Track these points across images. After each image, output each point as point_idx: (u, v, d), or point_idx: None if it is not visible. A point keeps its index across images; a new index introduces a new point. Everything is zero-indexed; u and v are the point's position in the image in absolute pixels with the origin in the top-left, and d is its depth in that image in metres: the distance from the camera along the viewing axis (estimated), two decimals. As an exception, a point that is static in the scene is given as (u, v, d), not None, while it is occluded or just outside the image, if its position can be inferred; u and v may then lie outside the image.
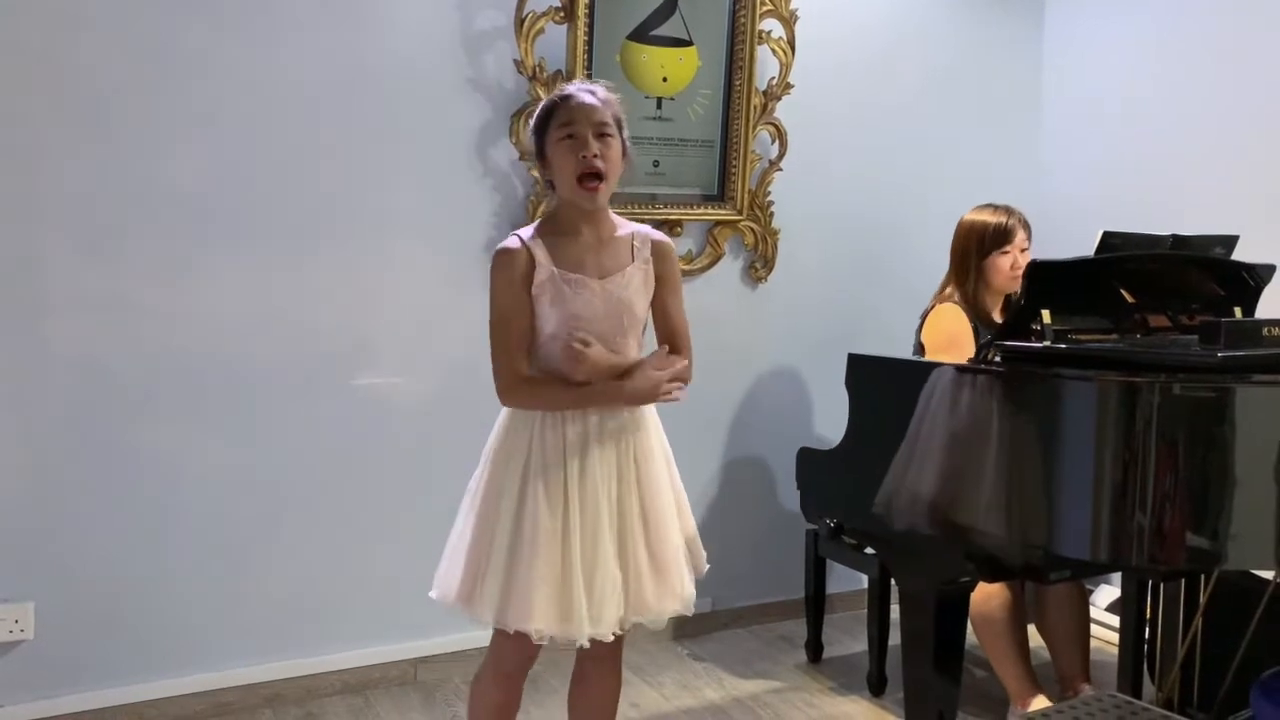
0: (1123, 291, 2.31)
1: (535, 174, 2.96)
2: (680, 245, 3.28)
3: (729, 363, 3.40)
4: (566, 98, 1.97)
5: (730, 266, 3.38)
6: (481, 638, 3.03)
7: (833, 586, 3.34)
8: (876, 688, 2.96)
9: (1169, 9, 3.42)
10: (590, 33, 2.97)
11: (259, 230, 2.74)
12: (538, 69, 2.94)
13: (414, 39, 2.87)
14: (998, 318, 2.86)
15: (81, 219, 2.57)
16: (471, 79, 2.94)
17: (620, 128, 1.99)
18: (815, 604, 3.23)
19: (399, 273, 2.91)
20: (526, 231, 2.01)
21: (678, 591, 2.02)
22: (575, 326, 1.95)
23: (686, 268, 3.28)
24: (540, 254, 1.96)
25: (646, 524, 1.99)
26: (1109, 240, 2.27)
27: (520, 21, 2.91)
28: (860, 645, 3.16)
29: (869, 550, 2.91)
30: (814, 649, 3.23)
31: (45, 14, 2.49)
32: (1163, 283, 2.36)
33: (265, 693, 2.82)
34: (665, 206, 3.19)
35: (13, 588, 2.55)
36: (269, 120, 2.73)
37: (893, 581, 2.73)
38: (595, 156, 1.92)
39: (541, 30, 2.93)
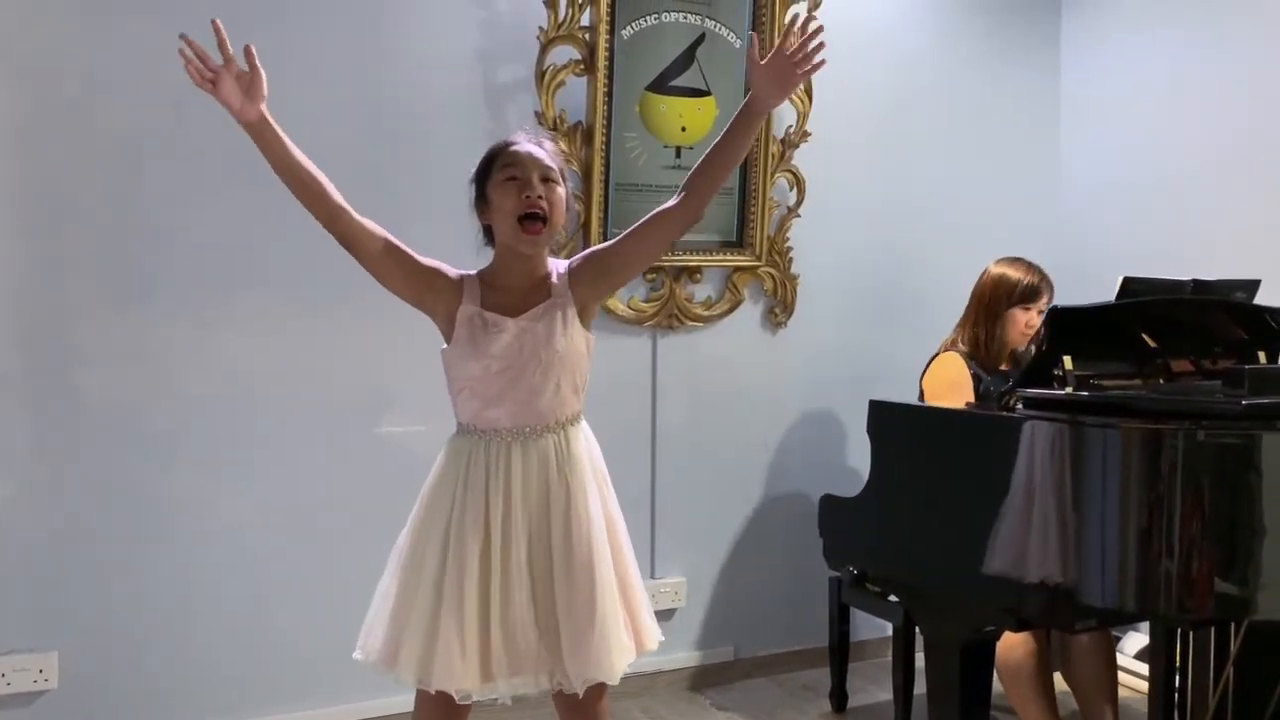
0: (1145, 337, 2.30)
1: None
2: (700, 291, 3.30)
3: (749, 408, 3.40)
4: (511, 144, 1.97)
5: (750, 312, 3.39)
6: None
7: (857, 634, 3.30)
8: (902, 738, 2.92)
9: (1188, 51, 3.44)
10: (610, 84, 3.01)
11: (283, 280, 2.78)
12: (558, 120, 2.98)
13: (437, 92, 2.92)
14: (1004, 367, 2.87)
15: (110, 271, 2.61)
16: (493, 131, 2.97)
17: (564, 179, 1.98)
18: (839, 652, 3.20)
19: (422, 321, 2.93)
20: (469, 273, 2.01)
21: (597, 659, 1.88)
22: (489, 366, 1.92)
23: (705, 313, 3.30)
24: (470, 292, 1.96)
25: (574, 586, 1.90)
26: (1130, 286, 2.26)
27: (541, 74, 2.96)
28: (885, 694, 3.12)
29: (893, 598, 2.88)
30: (838, 698, 3.20)
31: (78, 75, 2.56)
32: (1185, 328, 2.36)
33: (288, 742, 2.81)
34: (684, 253, 3.22)
35: (37, 637, 2.56)
36: (295, 173, 2.77)
37: (917, 629, 2.70)
38: (539, 197, 1.91)
39: (562, 82, 2.98)
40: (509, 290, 1.97)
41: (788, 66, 1.88)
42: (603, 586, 1.90)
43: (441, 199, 2.96)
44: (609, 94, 3.02)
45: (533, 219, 1.91)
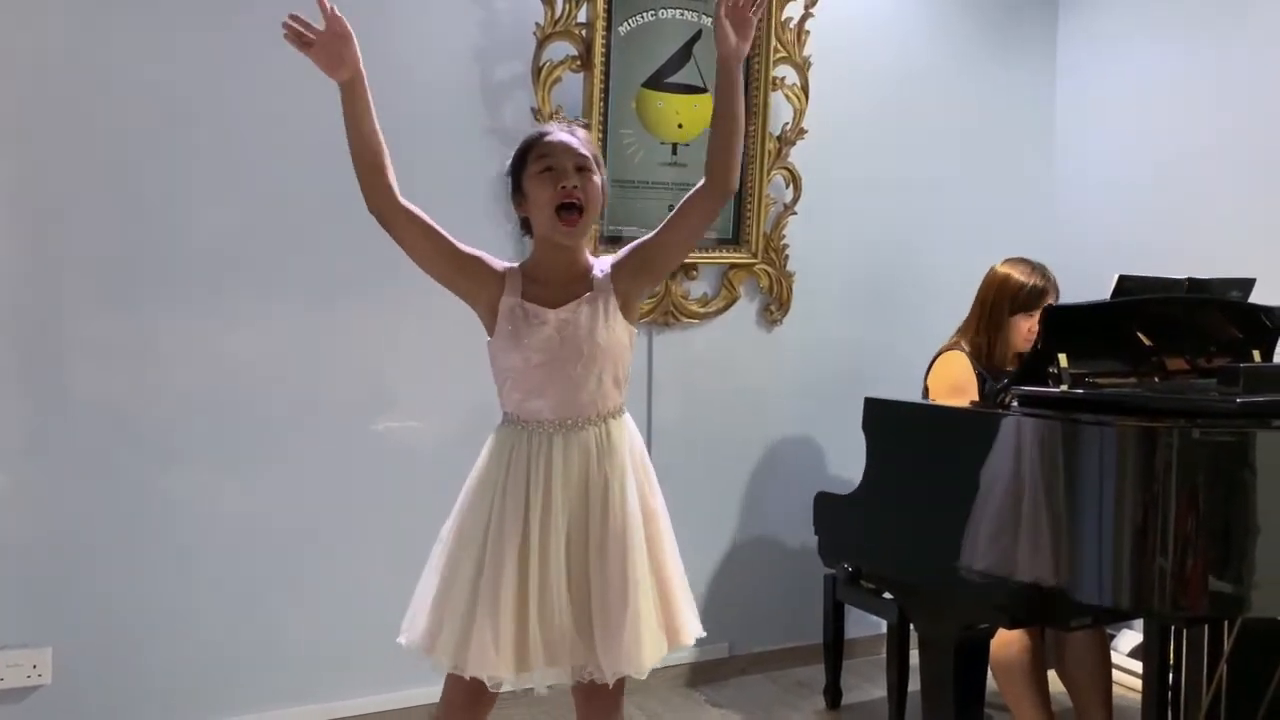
0: (1140, 335, 2.31)
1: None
2: (695, 288, 3.30)
3: (745, 405, 3.40)
4: (545, 134, 1.97)
5: (745, 309, 3.39)
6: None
7: (851, 631, 3.31)
8: (896, 735, 2.92)
9: (1185, 51, 3.45)
10: (606, 81, 3.01)
11: (279, 278, 2.78)
12: (555, 116, 2.98)
13: (434, 89, 2.92)
14: (1011, 369, 2.86)
15: (103, 265, 2.60)
16: (490, 127, 2.98)
17: (599, 166, 1.98)
18: (834, 649, 3.20)
19: (418, 318, 2.93)
20: (512, 265, 2.02)
21: (628, 653, 1.89)
22: (530, 358, 1.93)
23: (701, 310, 3.30)
24: (511, 284, 1.97)
25: (607, 579, 1.91)
26: (1125, 284, 2.27)
27: (538, 70, 2.96)
28: (879, 691, 3.13)
29: (887, 595, 2.88)
30: (833, 695, 3.20)
31: (68, 63, 2.55)
32: (1180, 326, 2.36)
33: (281, 739, 2.81)
34: (681, 251, 3.21)
35: (31, 632, 2.56)
36: (290, 169, 2.77)
37: (912, 626, 2.71)
38: (575, 187, 1.92)
39: (559, 79, 2.98)
40: (549, 282, 1.97)
41: (743, 11, 1.91)
42: (636, 580, 1.90)
43: (439, 193, 2.94)
44: (605, 90, 3.02)
45: (569, 209, 1.92)
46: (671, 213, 2.02)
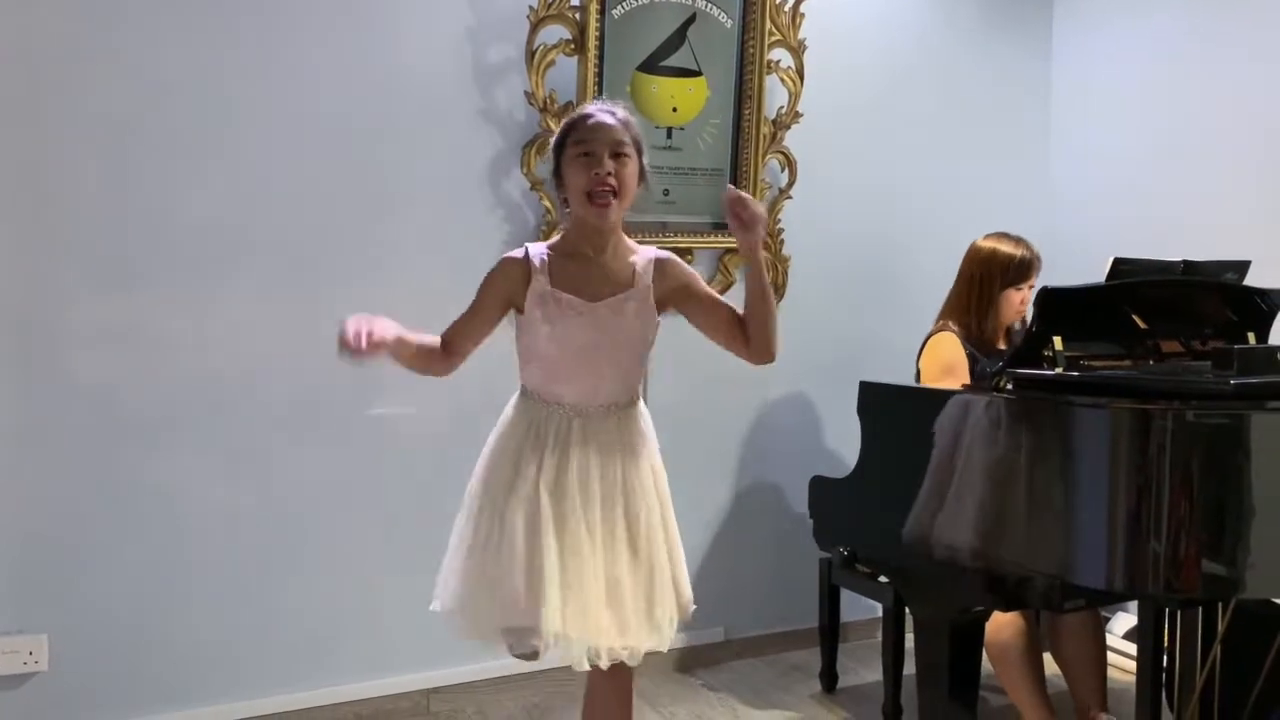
0: (1135, 318, 2.31)
1: (546, 202, 2.99)
2: (691, 273, 3.29)
3: (740, 389, 3.40)
4: (586, 116, 1.98)
5: (741, 293, 3.36)
6: (493, 668, 3.03)
7: (846, 615, 3.31)
8: (892, 718, 2.93)
9: (1178, 37, 3.44)
10: (600, 64, 2.99)
11: (273, 262, 2.77)
12: (548, 101, 2.97)
13: (426, 72, 2.90)
14: (1001, 345, 2.86)
15: (97, 251, 2.59)
16: (483, 111, 2.97)
17: (639, 151, 1.99)
18: (829, 633, 3.21)
19: (412, 303, 2.90)
20: (538, 247, 2.02)
21: (639, 631, 1.96)
22: (564, 349, 1.96)
23: (697, 296, 3.29)
24: (539, 271, 1.98)
25: (633, 562, 1.96)
26: (1120, 267, 2.27)
27: (531, 54, 2.94)
28: (875, 674, 3.13)
29: (883, 579, 2.89)
30: (828, 679, 3.21)
31: (61, 47, 2.53)
32: (1175, 309, 2.36)
33: (278, 724, 2.81)
34: (676, 234, 3.21)
35: (26, 619, 2.55)
36: (282, 153, 2.76)
37: (907, 610, 2.71)
38: (608, 174, 1.93)
39: (552, 62, 2.96)
40: (585, 266, 1.99)
41: (738, 224, 1.94)
42: (659, 565, 1.98)
43: (432, 177, 2.95)
44: (599, 74, 3.00)
45: (602, 194, 1.94)
46: (723, 308, 2.07)
